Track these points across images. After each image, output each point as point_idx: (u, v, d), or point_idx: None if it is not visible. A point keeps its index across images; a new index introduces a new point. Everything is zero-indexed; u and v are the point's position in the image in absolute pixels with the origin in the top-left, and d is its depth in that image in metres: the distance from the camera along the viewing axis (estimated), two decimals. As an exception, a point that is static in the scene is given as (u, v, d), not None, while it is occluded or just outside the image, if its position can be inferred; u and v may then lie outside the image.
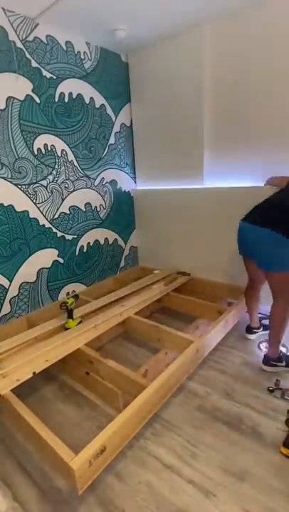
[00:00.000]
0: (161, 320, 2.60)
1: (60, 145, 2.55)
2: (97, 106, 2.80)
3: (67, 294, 2.83)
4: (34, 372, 1.68)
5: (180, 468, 1.37)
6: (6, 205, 2.27)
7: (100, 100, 2.82)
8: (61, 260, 2.74)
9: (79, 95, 2.64)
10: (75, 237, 2.83)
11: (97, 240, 3.05)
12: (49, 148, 2.48)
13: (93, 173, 2.88)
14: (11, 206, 2.31)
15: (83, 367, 1.90)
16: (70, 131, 2.61)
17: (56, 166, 2.56)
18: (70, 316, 2.19)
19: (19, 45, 2.18)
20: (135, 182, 3.35)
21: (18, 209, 2.35)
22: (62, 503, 1.27)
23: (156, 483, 1.32)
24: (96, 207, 2.98)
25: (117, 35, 2.46)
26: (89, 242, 2.97)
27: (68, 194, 2.70)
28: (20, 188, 2.34)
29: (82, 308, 2.40)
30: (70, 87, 2.56)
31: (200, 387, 1.84)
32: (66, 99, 2.55)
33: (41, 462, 1.43)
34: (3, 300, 2.36)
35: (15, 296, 2.43)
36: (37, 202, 2.47)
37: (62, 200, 2.66)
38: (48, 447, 1.27)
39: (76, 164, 2.71)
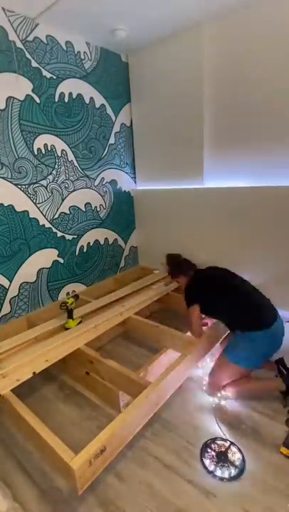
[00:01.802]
0: (161, 320, 2.60)
1: (60, 145, 2.55)
2: (97, 106, 2.80)
3: (67, 294, 2.83)
4: (34, 372, 1.68)
5: (180, 468, 1.37)
6: (6, 205, 2.27)
7: (100, 100, 2.82)
8: (61, 260, 2.74)
9: (79, 95, 2.64)
10: (75, 237, 2.83)
11: (97, 240, 3.05)
12: (49, 148, 2.48)
13: (93, 173, 2.88)
14: (11, 206, 2.31)
15: (83, 367, 1.90)
16: (70, 131, 2.61)
17: (56, 166, 2.56)
18: (70, 316, 2.19)
19: (19, 45, 2.18)
20: (135, 182, 3.35)
21: (18, 209, 2.35)
22: (62, 503, 1.27)
23: (156, 484, 1.32)
24: (96, 207, 2.98)
25: (117, 35, 2.46)
26: (89, 242, 2.97)
27: (68, 194, 2.70)
28: (20, 188, 2.34)
29: (82, 308, 2.40)
30: (70, 87, 2.56)
31: (200, 387, 1.84)
32: (66, 99, 2.54)
33: (41, 462, 1.43)
34: (3, 300, 2.36)
35: (15, 296, 2.43)
36: (37, 202, 2.47)
37: (63, 200, 2.66)
38: (48, 447, 1.27)
39: (76, 164, 2.71)
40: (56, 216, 2.63)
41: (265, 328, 1.68)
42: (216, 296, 1.88)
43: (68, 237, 2.76)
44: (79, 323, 2.18)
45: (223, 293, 1.86)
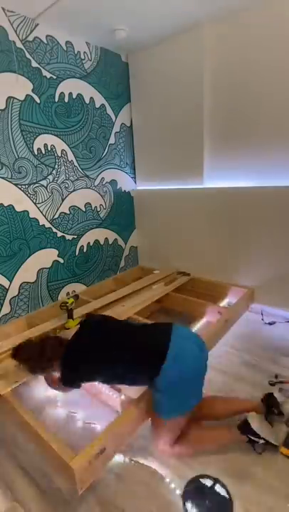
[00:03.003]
0: (161, 320, 2.60)
1: (60, 145, 2.55)
2: (97, 106, 2.80)
3: (68, 294, 2.83)
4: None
5: (180, 468, 1.37)
6: (6, 205, 2.27)
7: (100, 100, 2.82)
8: (61, 260, 2.74)
9: (79, 95, 2.64)
10: (75, 237, 2.83)
11: (97, 240, 3.05)
12: (49, 148, 2.48)
13: (93, 173, 2.88)
14: (11, 206, 2.31)
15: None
16: (70, 131, 2.61)
17: (56, 166, 2.56)
18: (70, 316, 2.18)
19: (19, 45, 2.18)
20: (135, 182, 3.35)
21: (18, 209, 2.35)
22: (62, 503, 1.27)
23: (156, 483, 1.32)
24: (96, 207, 2.98)
25: (117, 35, 2.46)
26: (89, 242, 2.97)
27: (68, 194, 2.70)
28: (20, 188, 2.34)
29: (82, 308, 2.40)
30: (70, 87, 2.56)
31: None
32: (66, 99, 2.54)
33: (41, 462, 1.43)
34: (3, 300, 2.35)
35: (15, 296, 2.43)
36: (37, 202, 2.47)
37: (63, 200, 2.66)
38: (48, 447, 1.27)
39: (76, 164, 2.71)
40: (56, 216, 2.63)
41: (165, 360, 1.31)
42: (112, 365, 1.40)
43: (68, 237, 2.76)
44: (79, 323, 2.18)
45: (115, 356, 1.39)
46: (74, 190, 2.74)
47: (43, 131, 2.42)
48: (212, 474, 1.33)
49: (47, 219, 2.56)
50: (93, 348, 1.41)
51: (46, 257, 2.61)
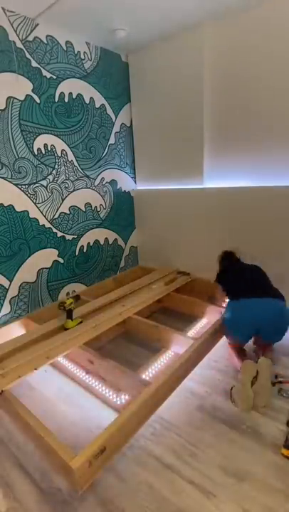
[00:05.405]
0: (161, 320, 2.60)
1: (60, 145, 2.55)
2: (97, 106, 2.80)
3: (68, 294, 2.83)
4: (35, 368, 1.68)
5: (180, 468, 1.37)
6: (6, 205, 2.27)
7: (100, 100, 2.82)
8: (61, 260, 2.74)
9: (79, 95, 2.64)
10: (75, 237, 2.83)
11: (97, 240, 3.05)
12: (49, 148, 2.48)
13: (93, 173, 2.88)
14: (11, 206, 2.31)
15: (83, 367, 1.89)
16: (70, 131, 2.61)
17: (56, 166, 2.56)
18: (70, 316, 2.18)
19: (19, 45, 2.18)
20: (135, 182, 3.35)
21: (18, 209, 2.35)
22: (62, 503, 1.26)
23: (156, 484, 1.31)
24: (96, 207, 2.98)
25: (117, 35, 2.47)
26: (89, 242, 2.97)
27: (68, 194, 2.70)
28: (20, 188, 2.34)
29: (82, 308, 2.40)
30: (70, 87, 2.56)
31: (200, 387, 1.84)
32: (66, 99, 2.55)
33: (41, 462, 1.43)
34: (3, 300, 2.36)
35: (15, 296, 2.43)
36: (37, 202, 2.47)
37: (62, 200, 2.66)
38: (48, 447, 1.27)
39: (76, 164, 2.71)
40: (56, 216, 2.63)
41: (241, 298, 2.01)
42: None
43: (68, 237, 2.76)
44: (79, 323, 2.18)
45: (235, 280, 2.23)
46: (74, 190, 2.74)
47: (43, 131, 2.42)
48: (211, 474, 1.33)
49: (47, 219, 2.57)
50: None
51: (46, 257, 2.61)
